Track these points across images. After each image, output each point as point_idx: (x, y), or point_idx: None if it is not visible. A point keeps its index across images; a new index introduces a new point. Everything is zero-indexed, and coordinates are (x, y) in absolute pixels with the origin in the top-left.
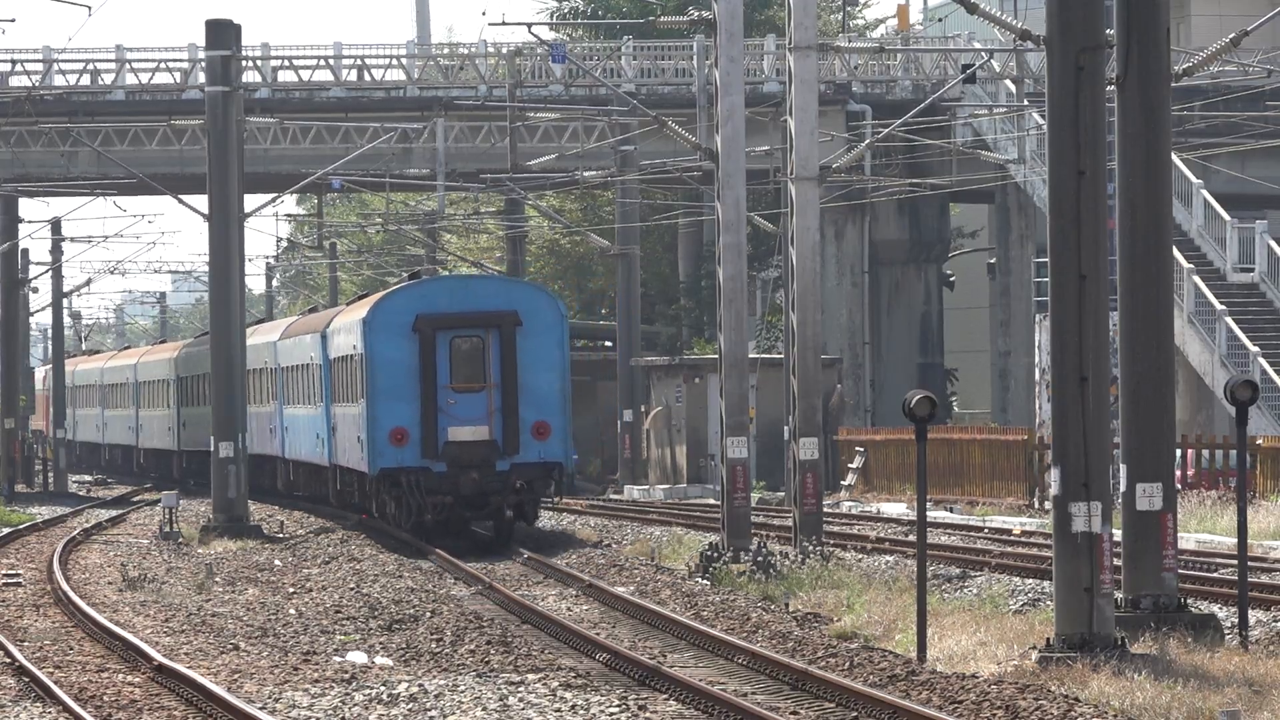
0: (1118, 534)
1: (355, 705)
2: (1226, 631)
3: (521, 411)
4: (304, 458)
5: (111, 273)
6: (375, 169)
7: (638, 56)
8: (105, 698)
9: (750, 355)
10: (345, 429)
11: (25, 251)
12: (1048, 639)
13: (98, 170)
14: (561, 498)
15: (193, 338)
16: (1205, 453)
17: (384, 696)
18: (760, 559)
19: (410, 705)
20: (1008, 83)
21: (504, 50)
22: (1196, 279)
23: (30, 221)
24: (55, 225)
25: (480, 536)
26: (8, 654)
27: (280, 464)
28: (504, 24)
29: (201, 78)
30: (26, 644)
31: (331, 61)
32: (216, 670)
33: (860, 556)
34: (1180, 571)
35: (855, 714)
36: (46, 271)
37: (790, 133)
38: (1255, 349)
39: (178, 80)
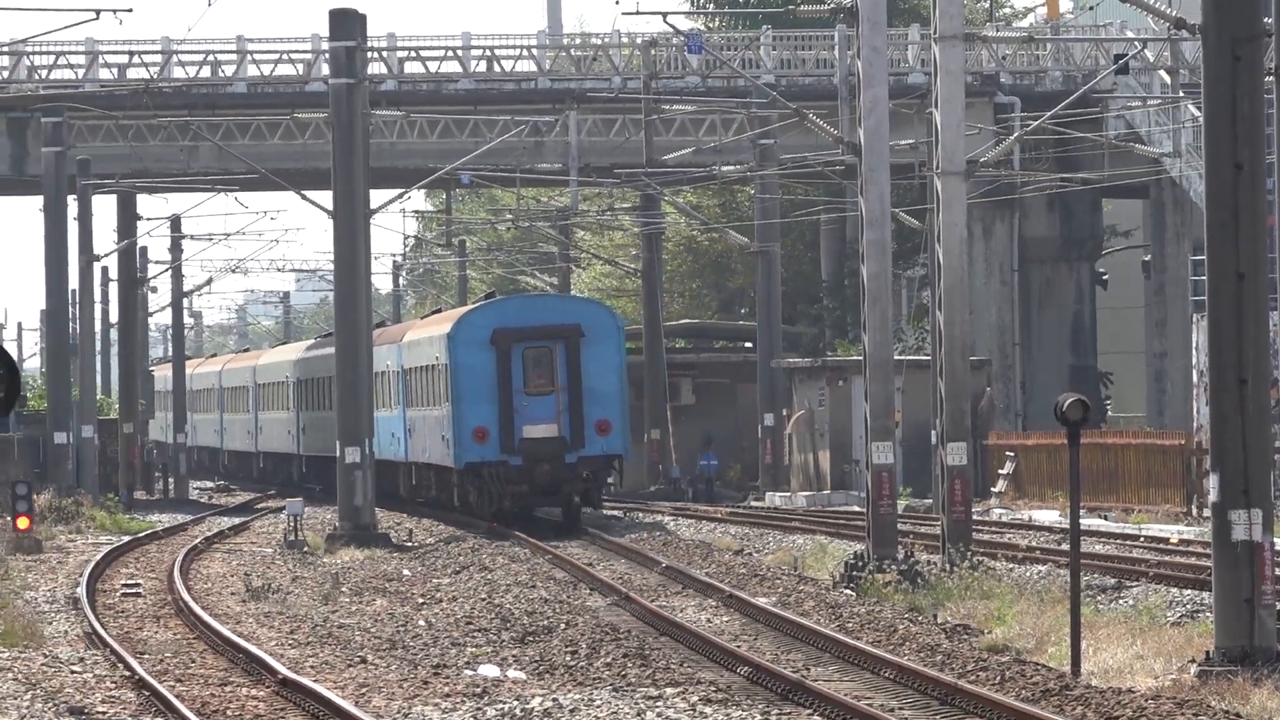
0: None
1: None
2: None
3: (586, 411)
4: (379, 455)
5: (233, 272)
6: (505, 164)
7: (777, 47)
8: (228, 713)
9: (896, 357)
10: (426, 429)
11: (144, 250)
12: (1207, 652)
13: (218, 165)
14: (620, 484)
15: (315, 338)
16: None
17: (517, 711)
18: (907, 569)
19: None
20: (1162, 73)
21: (638, 40)
22: None
23: (149, 219)
24: (175, 222)
25: (549, 521)
26: (127, 667)
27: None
28: (638, 13)
29: (325, 69)
30: (147, 657)
31: (460, 52)
32: (343, 684)
33: (1011, 566)
34: None
35: None
36: (166, 270)
37: (936, 126)
38: None
39: (301, 72)
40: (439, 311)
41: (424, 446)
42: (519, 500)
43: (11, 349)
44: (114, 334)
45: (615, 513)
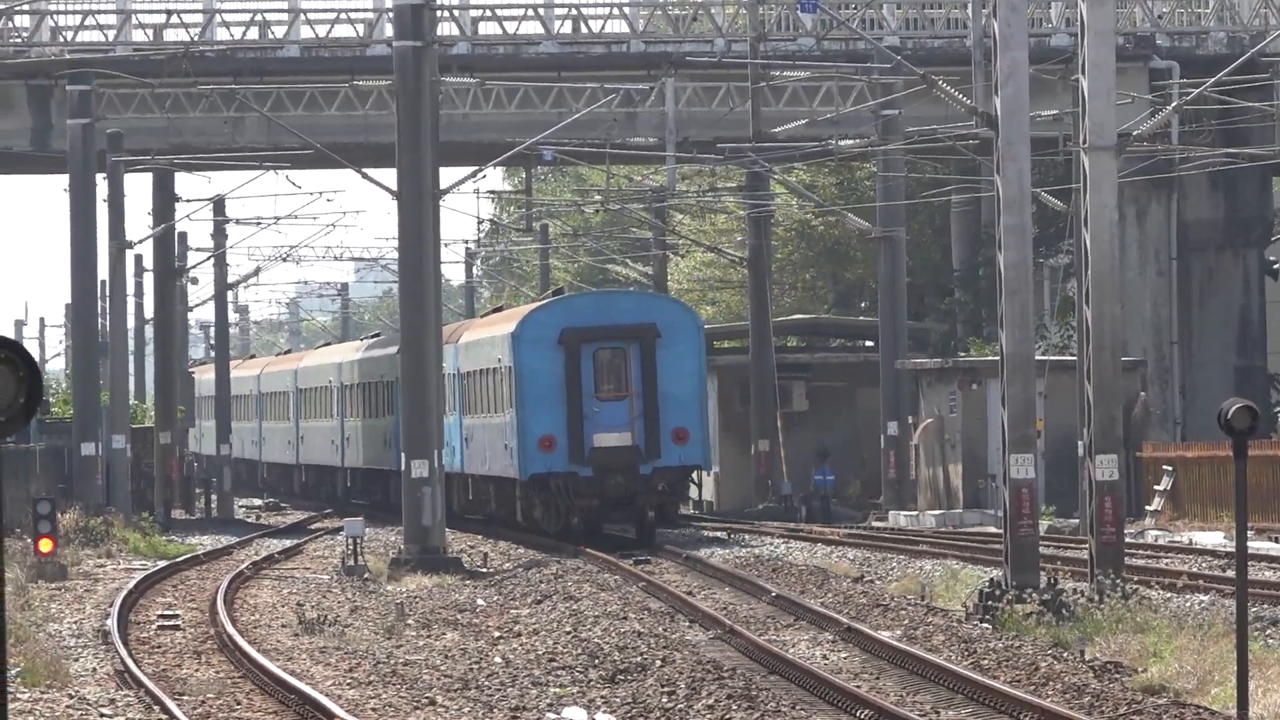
0: None
1: None
2: None
3: (662, 418)
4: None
5: (283, 260)
6: (593, 137)
7: (902, 5)
8: None
9: (1037, 357)
10: (485, 439)
11: (183, 235)
12: None
13: (267, 140)
14: (700, 498)
15: (362, 337)
16: None
17: None
18: (1050, 598)
19: None
20: None
21: None
22: None
23: (189, 200)
24: (218, 204)
25: (619, 538)
26: (165, 710)
27: (393, 477)
28: None
29: (389, 30)
30: (186, 698)
31: (541, 11)
32: None
33: (1169, 595)
34: None
35: None
36: (208, 259)
37: (1083, 94)
38: None
39: (361, 34)
40: (499, 310)
41: (483, 457)
42: (589, 515)
43: (33, 348)
44: (149, 331)
45: (718, 534)
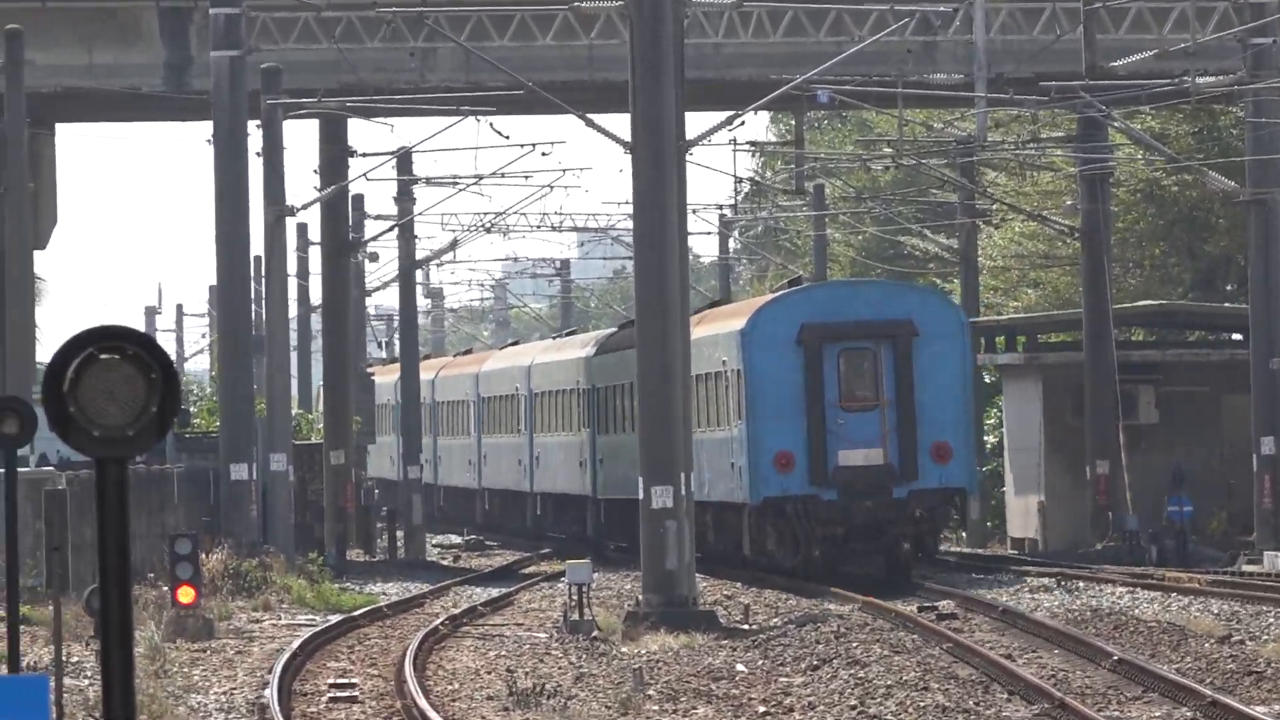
0: None
1: None
2: None
3: (919, 432)
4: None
5: (487, 231)
6: (881, 74)
7: None
8: None
9: None
10: (706, 457)
11: (358, 199)
12: None
13: (465, 78)
14: (964, 528)
15: (554, 335)
16: None
17: None
18: None
19: None
20: None
21: None
22: None
23: (365, 154)
24: (403, 160)
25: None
26: None
27: (591, 504)
28: None
29: None
30: None
31: None
32: None
33: None
34: None
35: None
36: (390, 229)
37: None
38: None
39: None
40: (719, 304)
41: (701, 479)
42: (832, 546)
43: (168, 343)
44: (316, 321)
45: (1043, 580)
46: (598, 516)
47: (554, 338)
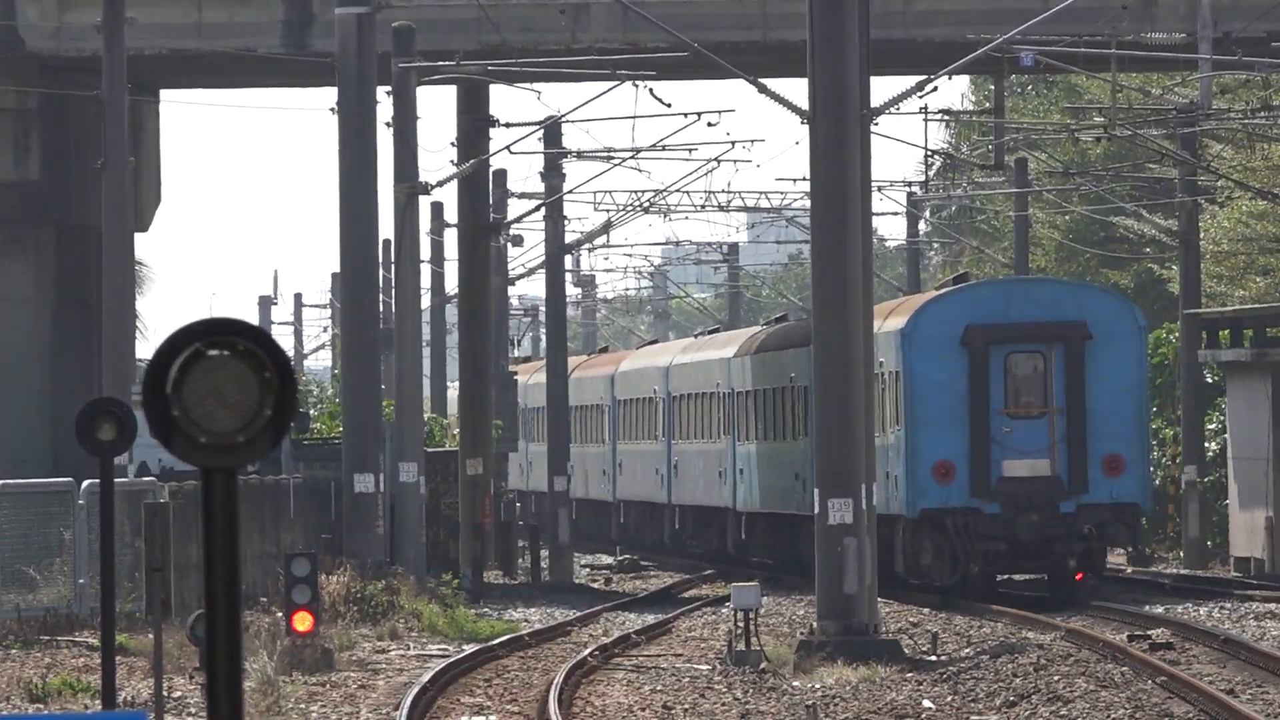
0: None
1: None
2: None
3: (1090, 442)
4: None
5: (645, 211)
6: (1092, 33)
7: None
8: None
9: None
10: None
11: (501, 175)
12: None
13: (621, 37)
14: (1135, 546)
15: (698, 333)
16: None
17: None
18: None
19: None
20: None
21: None
22: None
23: (509, 125)
24: (551, 131)
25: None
26: None
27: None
28: None
29: None
30: None
31: None
32: None
33: None
34: None
35: None
36: (537, 209)
37: None
38: None
39: None
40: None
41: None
42: (994, 562)
43: (285, 338)
44: (452, 313)
45: (1270, 605)
46: (738, 531)
47: (699, 334)
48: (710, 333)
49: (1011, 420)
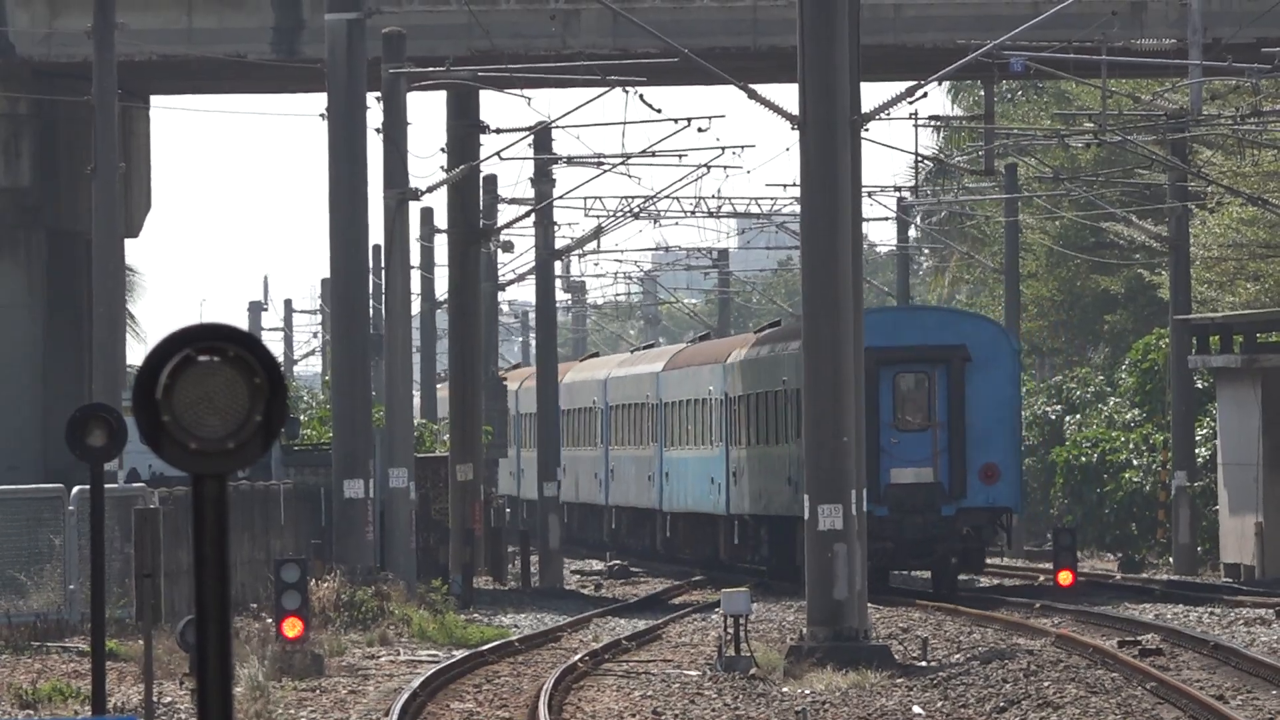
0: None
1: None
2: None
3: (968, 453)
4: (691, 508)
5: (635, 217)
6: (1082, 39)
7: None
8: None
9: None
10: (760, 472)
11: (491, 181)
12: None
13: (611, 43)
14: (1009, 545)
15: (693, 339)
16: None
17: None
18: None
19: None
20: None
21: None
22: None
23: (499, 130)
24: (541, 137)
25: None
26: None
27: (660, 518)
28: None
29: None
30: None
31: None
32: None
33: None
34: None
35: None
36: (527, 214)
37: None
38: None
39: None
40: (776, 325)
41: (759, 490)
42: (883, 559)
43: (275, 343)
44: (442, 318)
45: (1260, 611)
46: (730, 535)
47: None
48: (646, 347)
49: (899, 433)
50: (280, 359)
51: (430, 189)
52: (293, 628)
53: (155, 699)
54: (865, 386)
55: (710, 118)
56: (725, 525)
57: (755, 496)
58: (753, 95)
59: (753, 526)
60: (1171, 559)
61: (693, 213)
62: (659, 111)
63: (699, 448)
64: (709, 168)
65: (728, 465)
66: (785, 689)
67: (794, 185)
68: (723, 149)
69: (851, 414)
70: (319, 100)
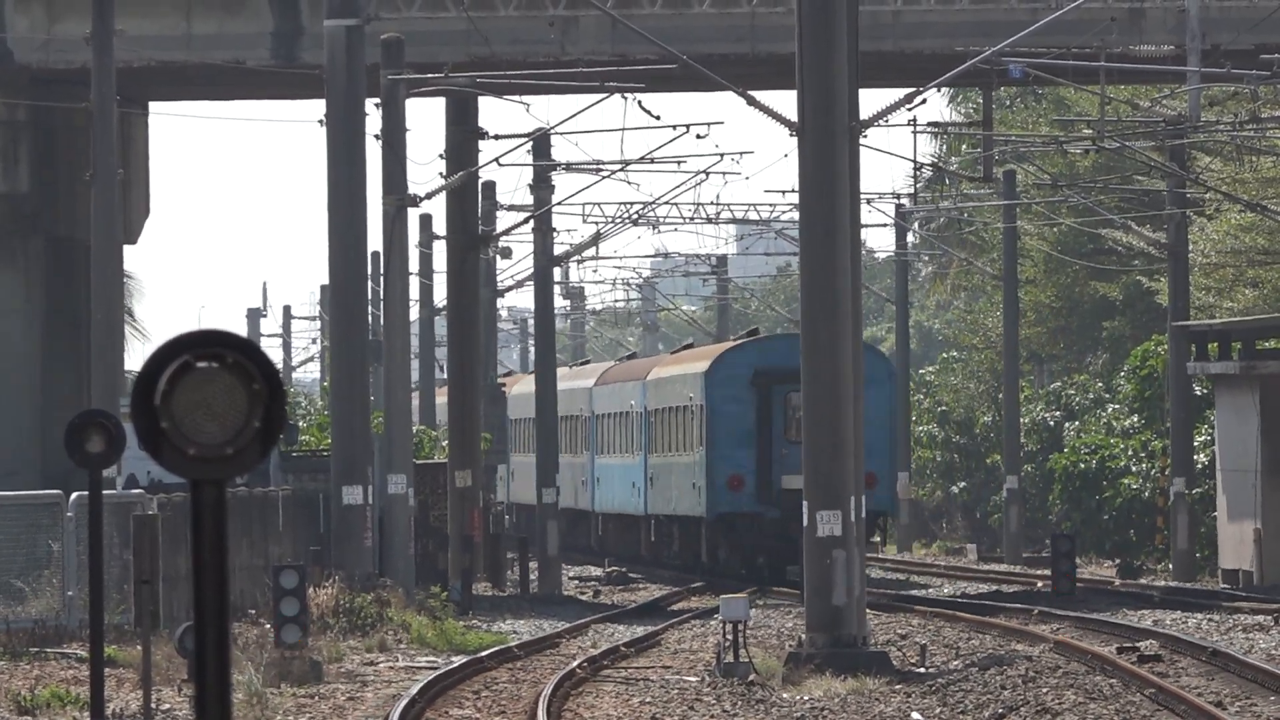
0: None
1: None
2: None
3: None
4: (618, 509)
5: (634, 224)
6: (1081, 45)
7: None
8: None
9: None
10: (671, 477)
11: (490, 187)
12: None
13: (610, 50)
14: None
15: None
16: None
17: None
18: None
19: None
20: None
21: None
22: None
23: (498, 136)
24: (540, 143)
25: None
26: None
27: (593, 518)
28: None
29: None
30: None
31: None
32: None
33: None
34: None
35: None
36: (526, 221)
37: None
38: None
39: None
40: (689, 347)
41: (668, 496)
42: (776, 556)
43: (274, 350)
44: (441, 325)
45: (1259, 618)
46: (648, 534)
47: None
48: (583, 363)
49: (790, 444)
50: (279, 365)
51: (429, 195)
52: (292, 634)
53: (154, 705)
54: (760, 403)
55: (709, 124)
56: (645, 525)
57: (667, 499)
58: (751, 102)
59: (666, 525)
60: (1170, 565)
61: (691, 219)
62: (658, 118)
63: (623, 455)
64: (708, 174)
65: (645, 471)
66: (784, 695)
67: (793, 191)
68: (721, 155)
69: (849, 419)
70: (318, 106)
